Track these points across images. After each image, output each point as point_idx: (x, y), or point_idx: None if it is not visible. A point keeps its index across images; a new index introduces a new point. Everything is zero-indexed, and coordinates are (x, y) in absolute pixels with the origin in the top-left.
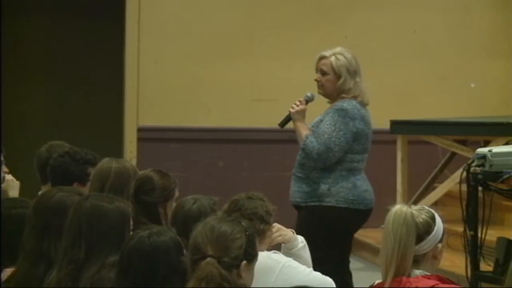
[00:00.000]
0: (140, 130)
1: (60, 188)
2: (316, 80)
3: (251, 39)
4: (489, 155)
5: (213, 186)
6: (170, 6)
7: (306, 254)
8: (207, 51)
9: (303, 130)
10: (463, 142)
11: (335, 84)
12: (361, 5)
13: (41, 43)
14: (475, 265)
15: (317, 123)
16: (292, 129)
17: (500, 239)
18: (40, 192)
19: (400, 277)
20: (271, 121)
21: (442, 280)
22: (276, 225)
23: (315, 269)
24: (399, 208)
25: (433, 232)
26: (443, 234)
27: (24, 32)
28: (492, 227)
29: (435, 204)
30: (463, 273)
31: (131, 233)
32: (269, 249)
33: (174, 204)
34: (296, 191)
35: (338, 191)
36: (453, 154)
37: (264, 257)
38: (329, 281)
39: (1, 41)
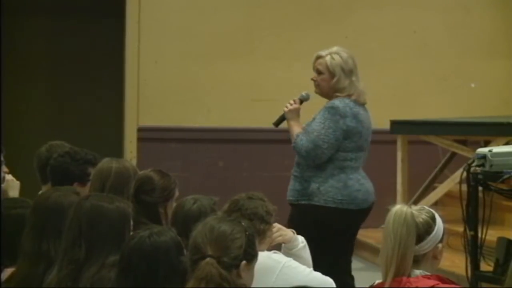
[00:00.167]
0: (140, 130)
1: (57, 188)
2: (312, 79)
3: (251, 39)
4: (489, 155)
5: (213, 186)
6: (170, 6)
7: (307, 254)
8: (207, 51)
9: (295, 129)
10: (463, 142)
11: (330, 83)
12: (361, 5)
13: (41, 43)
14: (475, 265)
15: (310, 122)
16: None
17: (500, 239)
18: (40, 192)
19: (400, 277)
20: (271, 121)
21: (442, 280)
22: (277, 225)
23: None
24: (399, 208)
25: (433, 232)
26: (443, 234)
27: (24, 32)
28: (492, 227)
29: (435, 204)
30: (463, 273)
31: (131, 233)
32: (269, 249)
33: (174, 204)
34: (290, 189)
35: (327, 190)
36: (453, 154)
37: (264, 257)
38: (329, 281)
39: (1, 41)
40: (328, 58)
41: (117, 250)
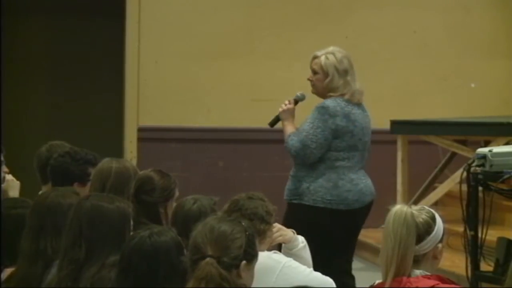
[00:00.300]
0: (140, 130)
1: (56, 188)
2: (308, 79)
3: (251, 39)
4: (489, 155)
5: (213, 186)
6: (170, 6)
7: (307, 254)
8: (207, 51)
9: (288, 129)
10: (463, 142)
11: (323, 83)
12: (361, 5)
13: (41, 43)
14: (475, 265)
15: (304, 122)
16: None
17: (500, 239)
18: (40, 192)
19: (400, 277)
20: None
21: (443, 280)
22: (277, 225)
23: None
24: (399, 208)
25: (433, 232)
26: (443, 234)
27: (24, 32)
28: (493, 227)
29: (435, 204)
30: (464, 273)
31: (131, 233)
32: (269, 249)
33: (174, 204)
34: (286, 188)
35: (316, 190)
36: (454, 154)
37: (265, 257)
38: (329, 281)
39: (1, 41)
40: (322, 58)
41: (117, 250)
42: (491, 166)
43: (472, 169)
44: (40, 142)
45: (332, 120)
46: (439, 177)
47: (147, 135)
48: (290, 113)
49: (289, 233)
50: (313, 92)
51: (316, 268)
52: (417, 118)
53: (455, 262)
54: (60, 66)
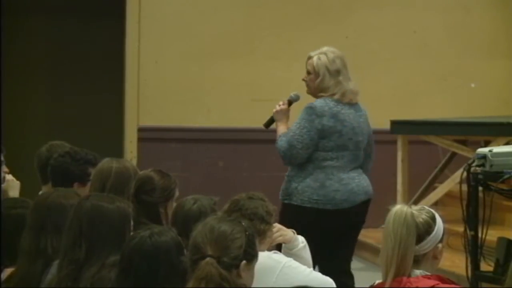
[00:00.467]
0: (140, 130)
1: (57, 189)
2: (303, 79)
3: (251, 39)
4: (489, 155)
5: (213, 186)
6: (170, 6)
7: (307, 254)
8: (207, 51)
9: (280, 130)
10: (464, 142)
11: (315, 83)
12: (361, 5)
13: (41, 43)
14: (475, 265)
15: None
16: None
17: (500, 239)
18: (40, 192)
19: (400, 277)
20: None
21: (443, 280)
22: (277, 225)
23: None
24: (399, 208)
25: (434, 232)
26: (443, 234)
27: (24, 32)
28: (493, 227)
29: (435, 204)
30: (464, 273)
31: (131, 233)
32: (269, 249)
33: (174, 204)
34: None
35: (304, 190)
36: (454, 154)
37: (265, 257)
38: (329, 281)
39: (1, 41)
40: (315, 58)
41: (118, 250)
42: (491, 166)
43: (472, 169)
44: (40, 142)
45: (318, 120)
46: (439, 177)
47: (147, 135)
48: (284, 113)
49: (289, 233)
50: (307, 92)
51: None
52: (417, 118)
53: (455, 262)
54: (60, 66)
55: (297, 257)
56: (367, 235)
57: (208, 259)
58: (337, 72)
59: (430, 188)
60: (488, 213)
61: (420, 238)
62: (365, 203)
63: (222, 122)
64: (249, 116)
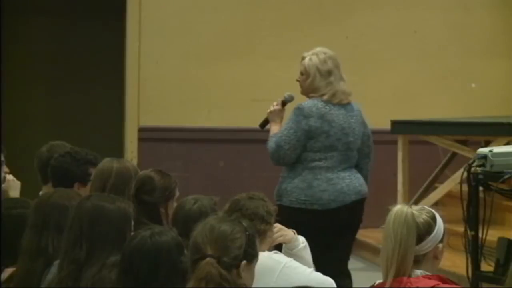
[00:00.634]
0: (141, 130)
1: (59, 189)
2: (297, 80)
3: (251, 39)
4: (490, 155)
5: (214, 186)
6: (170, 6)
7: (307, 254)
8: (207, 51)
9: (273, 131)
10: (464, 142)
11: (306, 83)
12: (362, 5)
13: (41, 44)
14: (476, 265)
15: None
16: None
17: (501, 239)
18: (41, 192)
19: (400, 277)
20: None
21: (443, 280)
22: (277, 225)
23: None
24: (399, 208)
25: (434, 232)
26: (443, 234)
27: (24, 33)
28: (493, 227)
29: (435, 204)
30: (464, 273)
31: (132, 233)
32: (270, 250)
33: (175, 204)
34: None
35: (292, 191)
36: (454, 154)
37: (265, 257)
38: (329, 281)
39: (2, 41)
40: (307, 59)
41: (118, 250)
42: (491, 166)
43: (472, 169)
44: (40, 142)
45: (305, 121)
46: (439, 177)
47: (147, 135)
48: (277, 114)
49: (290, 233)
50: (301, 93)
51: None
52: (417, 118)
53: (456, 262)
54: (60, 66)
55: (297, 257)
56: (367, 235)
57: (208, 259)
58: (328, 73)
59: (430, 188)
60: (489, 213)
61: (421, 238)
62: (359, 203)
63: (222, 122)
64: (249, 116)
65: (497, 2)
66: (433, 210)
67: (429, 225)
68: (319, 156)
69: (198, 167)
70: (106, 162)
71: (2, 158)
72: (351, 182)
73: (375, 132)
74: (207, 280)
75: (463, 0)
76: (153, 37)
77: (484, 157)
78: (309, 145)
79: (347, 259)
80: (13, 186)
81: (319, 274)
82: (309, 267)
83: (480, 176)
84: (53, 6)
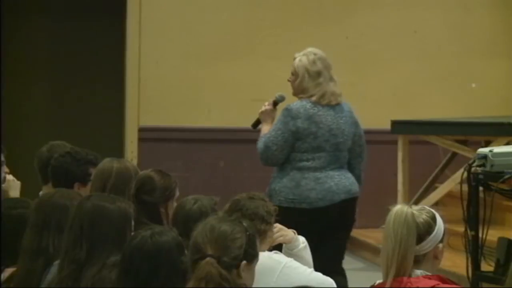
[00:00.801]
0: (141, 130)
1: (60, 189)
2: (288, 80)
3: (251, 39)
4: (490, 155)
5: (214, 186)
6: (170, 6)
7: (307, 254)
8: (207, 51)
9: (263, 131)
10: (464, 142)
11: (295, 84)
12: (362, 5)
13: (41, 43)
14: (476, 265)
15: None
16: None
17: (501, 239)
18: (41, 192)
19: (401, 277)
20: None
21: (443, 280)
22: (277, 226)
23: None
24: (399, 208)
25: (434, 232)
26: (444, 234)
27: (24, 32)
28: (493, 227)
29: (436, 204)
30: (464, 273)
31: (132, 233)
32: (270, 250)
33: (175, 204)
34: None
35: (281, 190)
36: (454, 154)
37: (265, 257)
38: (329, 281)
39: (2, 41)
40: (297, 59)
41: (118, 250)
42: (491, 166)
43: (472, 169)
44: (40, 142)
45: (293, 122)
46: (439, 177)
47: (147, 135)
48: (268, 114)
49: (290, 233)
50: (292, 93)
51: None
52: (417, 118)
53: (456, 262)
54: (60, 66)
55: (297, 257)
56: (367, 235)
57: (208, 259)
58: (317, 74)
59: (430, 188)
60: (489, 213)
61: (421, 238)
62: (349, 203)
63: (222, 122)
64: (249, 116)
65: (497, 2)
66: (433, 210)
67: (429, 225)
68: (307, 156)
69: (198, 167)
70: (106, 162)
71: (2, 158)
72: (341, 181)
73: (375, 132)
74: (207, 280)
75: (463, 0)
76: (153, 37)
77: (484, 157)
78: (297, 145)
79: (341, 258)
80: (13, 186)
81: (319, 274)
82: (309, 267)
83: (480, 176)
84: (53, 6)
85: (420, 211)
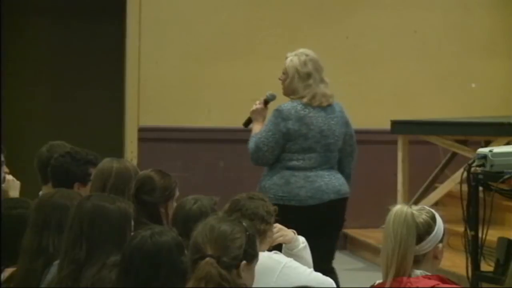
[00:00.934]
0: (140, 130)
1: (60, 189)
2: (279, 79)
3: (251, 39)
4: (489, 155)
5: (214, 186)
6: (170, 6)
7: (307, 254)
8: (207, 51)
9: (254, 130)
10: (464, 142)
11: (285, 84)
12: (362, 5)
13: (41, 44)
14: (475, 265)
15: None
16: None
17: (500, 239)
18: (40, 192)
19: (400, 277)
20: None
21: (443, 280)
22: (277, 226)
23: None
24: (399, 208)
25: (434, 232)
26: (443, 234)
27: (24, 32)
28: (493, 227)
29: (435, 204)
30: (464, 273)
31: (132, 233)
32: (270, 250)
33: (175, 204)
34: None
35: (270, 187)
36: (454, 154)
37: (265, 257)
38: (329, 281)
39: (2, 41)
40: (288, 60)
41: (118, 250)
42: (491, 166)
43: (472, 169)
44: (40, 142)
45: (284, 123)
46: (439, 177)
47: (147, 135)
48: (259, 113)
49: (290, 233)
50: (282, 93)
51: None
52: (417, 118)
53: (456, 262)
54: (60, 66)
55: (297, 257)
56: (367, 235)
57: (208, 259)
58: (307, 75)
59: (430, 188)
60: (489, 213)
61: (420, 238)
62: (338, 203)
63: (222, 122)
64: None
65: (497, 2)
66: (433, 210)
67: (429, 225)
68: (297, 157)
69: (198, 167)
70: (106, 162)
71: (2, 158)
72: (330, 181)
73: (375, 132)
74: (207, 280)
75: (463, 0)
76: (153, 37)
77: (484, 157)
78: (287, 146)
79: (331, 257)
80: (13, 186)
81: (319, 274)
82: (309, 267)
83: (480, 176)
84: (53, 6)
85: (420, 211)
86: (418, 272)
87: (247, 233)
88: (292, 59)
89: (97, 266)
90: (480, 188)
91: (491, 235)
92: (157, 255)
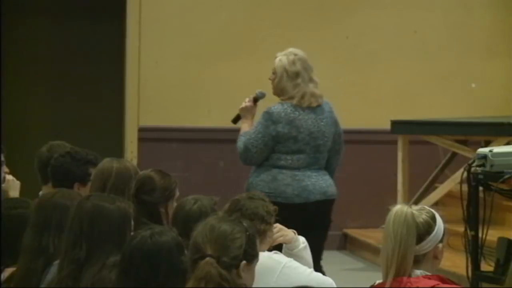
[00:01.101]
0: (141, 130)
1: (61, 189)
2: (269, 79)
3: (251, 39)
4: (490, 155)
5: (214, 186)
6: (170, 6)
7: (307, 254)
8: (207, 51)
9: (243, 128)
10: (464, 142)
11: (274, 83)
12: (362, 5)
13: (41, 44)
14: (476, 265)
15: None
16: None
17: (500, 239)
18: (40, 193)
19: (400, 277)
20: None
21: (443, 280)
22: (277, 226)
23: None
24: (399, 208)
25: (434, 232)
26: (443, 234)
27: (24, 33)
28: (493, 227)
29: (435, 204)
30: (464, 273)
31: (132, 233)
32: (270, 250)
33: (175, 204)
34: None
35: (257, 184)
36: (454, 154)
37: (265, 257)
38: (329, 281)
39: (2, 41)
40: (277, 59)
41: (118, 250)
42: (491, 166)
43: (472, 169)
44: (40, 142)
45: (273, 126)
46: (439, 177)
47: (147, 135)
48: (248, 110)
49: (290, 233)
50: (272, 93)
51: None
52: (417, 118)
53: (456, 262)
54: (60, 66)
55: (297, 257)
56: (367, 235)
57: (207, 259)
58: (296, 75)
59: (430, 188)
60: (489, 213)
61: (421, 238)
62: (325, 204)
63: (222, 122)
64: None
65: (497, 2)
66: (433, 210)
67: (429, 225)
68: (286, 157)
69: (198, 167)
70: (106, 162)
71: (2, 158)
72: (317, 181)
73: (375, 132)
74: (207, 280)
75: (463, 0)
76: (153, 37)
77: (484, 157)
78: (277, 148)
79: (318, 258)
80: (13, 186)
81: (319, 274)
82: (309, 267)
83: (480, 176)
84: (53, 6)
85: (420, 211)
86: (418, 272)
87: (247, 233)
88: (281, 58)
89: (97, 266)
90: (480, 188)
91: (491, 235)
92: (157, 255)
